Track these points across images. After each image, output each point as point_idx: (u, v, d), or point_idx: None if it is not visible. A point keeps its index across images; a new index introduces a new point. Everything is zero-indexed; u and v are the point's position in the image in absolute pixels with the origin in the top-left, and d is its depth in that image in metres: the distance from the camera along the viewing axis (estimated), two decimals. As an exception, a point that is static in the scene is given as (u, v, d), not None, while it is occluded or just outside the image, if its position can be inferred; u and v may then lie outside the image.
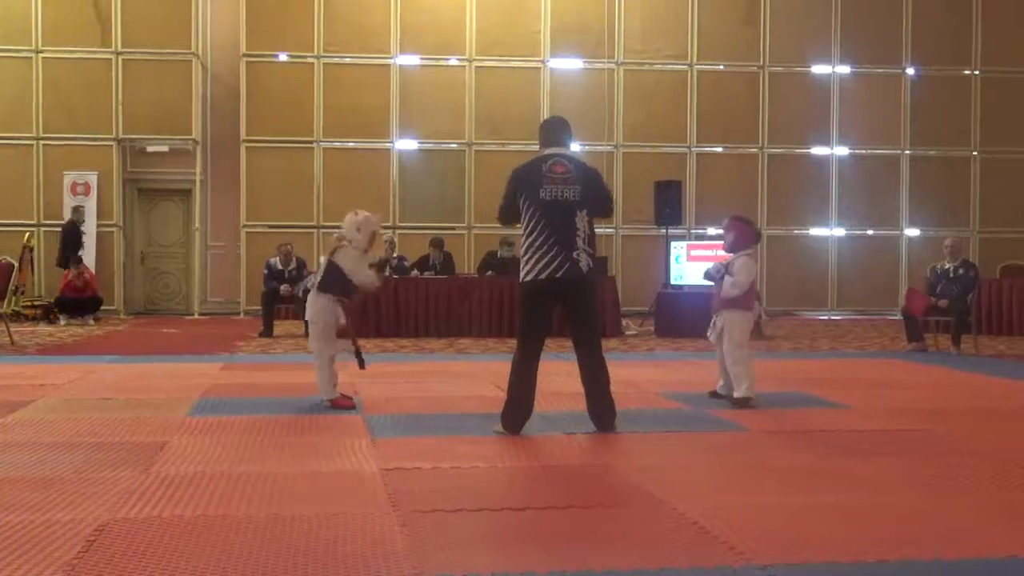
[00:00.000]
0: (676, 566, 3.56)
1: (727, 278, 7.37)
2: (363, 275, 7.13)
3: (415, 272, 14.31)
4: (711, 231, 18.35)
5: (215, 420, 6.57)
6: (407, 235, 17.22)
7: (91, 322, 15.42)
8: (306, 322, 7.42)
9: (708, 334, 7.53)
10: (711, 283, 7.69)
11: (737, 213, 8.06)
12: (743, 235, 7.57)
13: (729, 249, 7.61)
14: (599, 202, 6.32)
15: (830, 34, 18.76)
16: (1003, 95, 18.98)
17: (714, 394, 7.54)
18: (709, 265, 7.78)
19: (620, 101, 18.29)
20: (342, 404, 7.06)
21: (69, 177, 17.19)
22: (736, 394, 7.27)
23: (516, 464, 5.34)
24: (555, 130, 6.36)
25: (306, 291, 7.37)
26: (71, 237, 16.22)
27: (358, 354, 7.18)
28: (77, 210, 16.64)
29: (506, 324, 13.27)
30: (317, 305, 7.10)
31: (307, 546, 3.76)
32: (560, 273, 5.99)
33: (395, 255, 14.58)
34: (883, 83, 18.96)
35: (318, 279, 7.16)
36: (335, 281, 7.07)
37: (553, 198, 6.03)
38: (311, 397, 7.43)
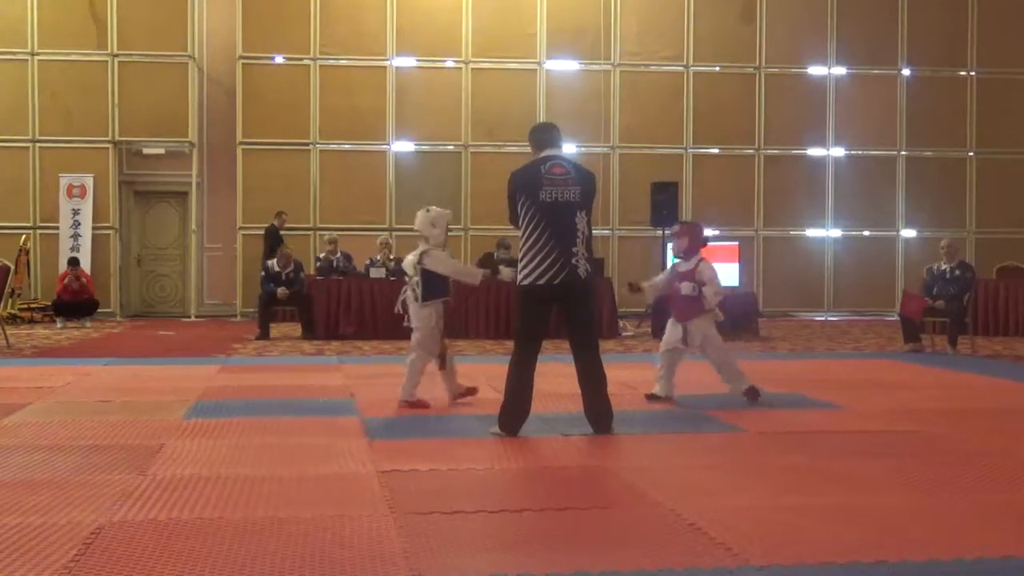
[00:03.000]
0: (673, 567, 3.56)
1: (707, 287, 7.38)
2: (465, 273, 7.40)
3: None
4: (708, 233, 18.34)
5: (212, 423, 6.57)
6: (403, 237, 17.19)
7: (87, 325, 15.40)
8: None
9: (682, 343, 7.46)
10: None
11: (685, 219, 8.13)
12: (696, 240, 7.60)
13: (684, 255, 7.57)
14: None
15: (826, 35, 18.77)
16: (999, 96, 19.00)
17: (652, 396, 7.54)
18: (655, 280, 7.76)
19: (616, 103, 18.29)
20: (418, 405, 7.23)
21: (65, 179, 17.17)
22: (738, 387, 7.41)
23: (513, 466, 5.34)
24: (546, 132, 6.38)
25: (403, 303, 7.47)
26: (273, 239, 16.05)
27: (441, 355, 7.42)
28: (280, 215, 16.44)
29: (503, 326, 13.27)
30: (422, 313, 7.25)
31: (304, 548, 3.76)
32: (559, 279, 6.00)
33: (392, 257, 14.57)
34: (879, 84, 18.97)
35: (420, 291, 7.26)
36: (435, 287, 7.26)
37: (553, 199, 6.03)
38: (308, 399, 7.44)
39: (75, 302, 15.47)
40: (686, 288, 7.41)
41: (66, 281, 15.46)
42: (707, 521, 4.12)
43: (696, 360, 10.71)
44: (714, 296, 7.39)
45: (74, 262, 15.76)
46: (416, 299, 7.30)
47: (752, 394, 7.39)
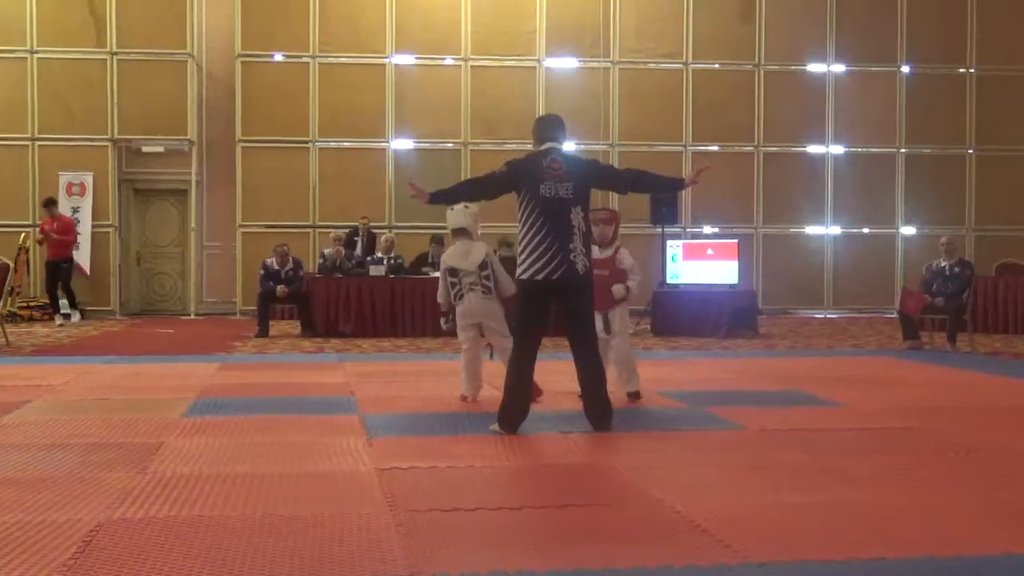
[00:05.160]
0: (673, 564, 3.56)
1: (631, 280, 7.28)
2: (504, 278, 7.37)
3: (426, 270, 14.32)
4: (707, 230, 18.38)
5: (211, 420, 6.57)
6: (403, 235, 17.19)
7: (75, 318, 15.19)
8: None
9: (605, 332, 7.26)
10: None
11: (605, 206, 7.98)
12: (618, 228, 7.50)
13: (607, 242, 7.40)
14: (613, 182, 6.66)
15: (825, 32, 18.76)
16: (998, 93, 19.00)
17: (635, 395, 7.38)
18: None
19: (615, 100, 18.29)
20: (536, 393, 7.25)
21: (65, 178, 17.17)
22: (631, 388, 7.32)
23: (513, 463, 5.34)
24: (550, 127, 6.34)
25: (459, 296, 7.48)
26: (351, 242, 15.88)
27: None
28: (363, 218, 16.22)
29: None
30: (492, 307, 7.29)
31: (303, 546, 3.76)
32: (557, 275, 5.99)
33: (392, 255, 14.57)
34: (878, 81, 18.97)
35: (495, 284, 7.32)
36: (501, 283, 7.37)
37: (553, 195, 6.03)
38: (308, 397, 7.44)
39: (60, 260, 15.32)
40: (618, 292, 7.25)
41: (47, 230, 15.35)
42: (707, 518, 4.12)
43: (699, 357, 10.72)
44: (638, 288, 7.33)
45: (50, 204, 15.66)
46: (491, 293, 7.34)
47: (635, 397, 7.30)
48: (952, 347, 11.60)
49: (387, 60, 17.84)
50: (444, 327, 7.86)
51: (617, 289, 7.27)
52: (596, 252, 7.27)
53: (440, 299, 7.68)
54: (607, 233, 7.42)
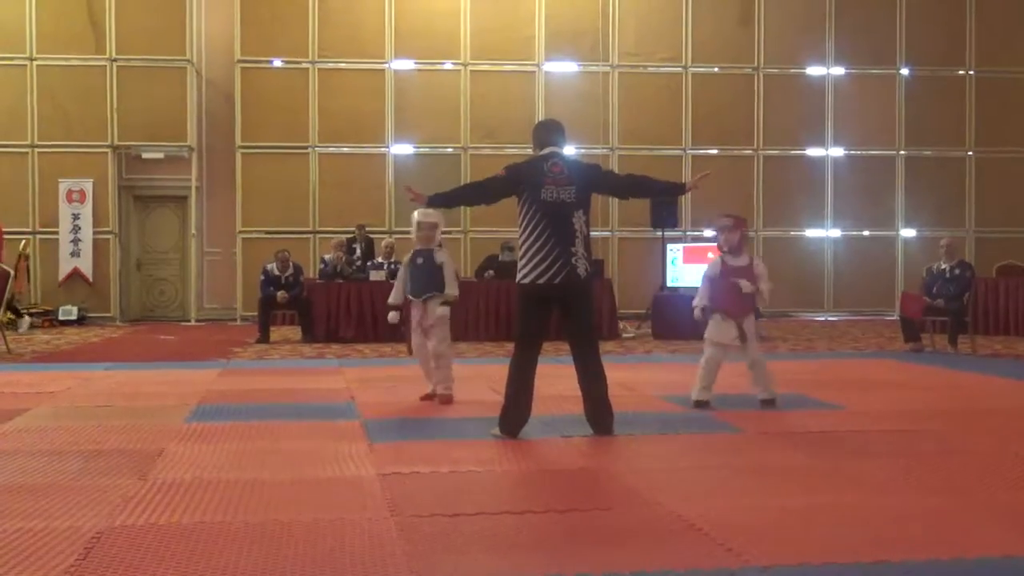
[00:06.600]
0: (675, 568, 3.56)
1: (763, 284, 7.28)
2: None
3: None
4: (707, 233, 18.37)
5: (212, 427, 6.57)
6: (403, 240, 17.18)
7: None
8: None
9: (733, 340, 7.26)
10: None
11: (731, 212, 7.93)
12: (745, 234, 7.56)
13: (734, 249, 7.37)
14: (616, 189, 6.74)
15: (824, 35, 18.78)
16: (997, 95, 19.00)
17: (701, 403, 7.29)
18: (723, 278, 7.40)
19: (615, 104, 18.30)
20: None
21: (64, 185, 17.18)
22: (770, 394, 7.26)
23: (514, 468, 5.34)
24: (550, 131, 6.34)
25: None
26: (351, 248, 15.81)
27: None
28: (358, 225, 16.28)
29: (503, 328, 13.27)
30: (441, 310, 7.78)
31: (305, 552, 3.75)
32: (559, 279, 5.99)
33: (392, 260, 14.58)
34: (878, 84, 18.98)
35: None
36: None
37: (554, 199, 6.03)
38: (309, 403, 7.43)
39: None
40: (746, 287, 7.24)
41: None
42: (708, 522, 4.11)
43: (699, 361, 10.68)
44: (769, 293, 7.33)
45: None
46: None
47: (770, 404, 7.23)
48: (953, 349, 11.60)
49: (386, 65, 17.85)
50: (393, 321, 8.13)
51: (744, 283, 7.21)
52: (731, 260, 7.31)
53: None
54: (732, 239, 7.35)
